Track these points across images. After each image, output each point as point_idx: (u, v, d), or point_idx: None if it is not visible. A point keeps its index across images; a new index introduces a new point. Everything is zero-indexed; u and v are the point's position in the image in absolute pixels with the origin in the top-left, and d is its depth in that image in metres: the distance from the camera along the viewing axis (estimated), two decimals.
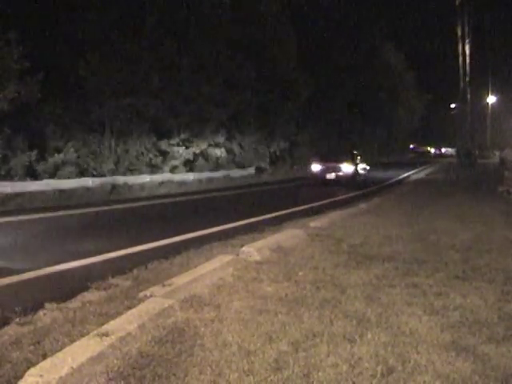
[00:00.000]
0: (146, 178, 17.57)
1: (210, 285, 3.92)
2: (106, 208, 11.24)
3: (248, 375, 2.41)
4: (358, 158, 19.55)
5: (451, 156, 54.69)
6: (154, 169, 18.81)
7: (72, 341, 2.72)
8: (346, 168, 17.91)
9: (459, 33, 28.83)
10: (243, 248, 5.07)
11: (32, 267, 4.90)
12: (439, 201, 11.15)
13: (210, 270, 4.22)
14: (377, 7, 48.76)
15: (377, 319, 3.17)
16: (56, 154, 15.30)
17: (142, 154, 18.41)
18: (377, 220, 7.81)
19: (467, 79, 29.33)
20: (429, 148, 73.44)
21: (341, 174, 17.77)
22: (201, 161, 21.36)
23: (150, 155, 18.72)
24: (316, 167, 18.31)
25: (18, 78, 13.25)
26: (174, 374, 2.42)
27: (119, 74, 17.03)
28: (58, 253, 5.88)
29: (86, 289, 4.09)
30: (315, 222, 7.43)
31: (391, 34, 47.13)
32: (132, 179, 16.94)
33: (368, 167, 21.17)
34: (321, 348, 2.71)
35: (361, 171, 19.38)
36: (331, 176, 17.71)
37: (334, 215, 8.52)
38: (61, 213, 9.97)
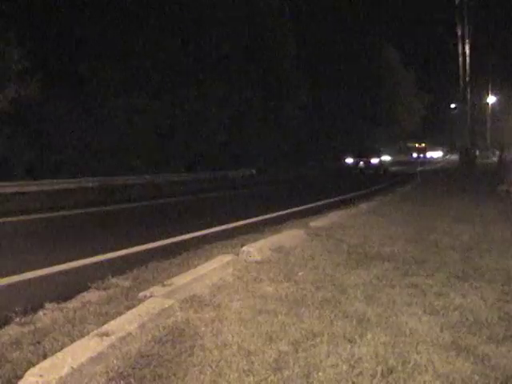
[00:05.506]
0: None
1: (210, 285, 3.92)
2: (108, 208, 11.23)
3: (248, 375, 2.40)
4: None
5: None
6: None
7: (72, 341, 2.72)
8: None
9: (459, 33, 28.83)
10: (243, 248, 5.06)
11: None
12: (439, 200, 11.14)
13: (210, 269, 4.22)
14: (377, 7, 48.77)
15: (377, 319, 3.16)
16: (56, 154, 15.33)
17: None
18: (377, 220, 7.81)
19: (467, 79, 29.32)
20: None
21: None
22: None
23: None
24: None
25: (18, 78, 13.26)
26: (174, 374, 2.42)
27: (120, 74, 17.04)
28: None
29: (85, 289, 4.08)
30: (315, 222, 7.42)
31: (391, 33, 47.19)
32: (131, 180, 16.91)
33: None
34: (321, 348, 2.71)
35: None
36: None
37: (334, 215, 8.51)
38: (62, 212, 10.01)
